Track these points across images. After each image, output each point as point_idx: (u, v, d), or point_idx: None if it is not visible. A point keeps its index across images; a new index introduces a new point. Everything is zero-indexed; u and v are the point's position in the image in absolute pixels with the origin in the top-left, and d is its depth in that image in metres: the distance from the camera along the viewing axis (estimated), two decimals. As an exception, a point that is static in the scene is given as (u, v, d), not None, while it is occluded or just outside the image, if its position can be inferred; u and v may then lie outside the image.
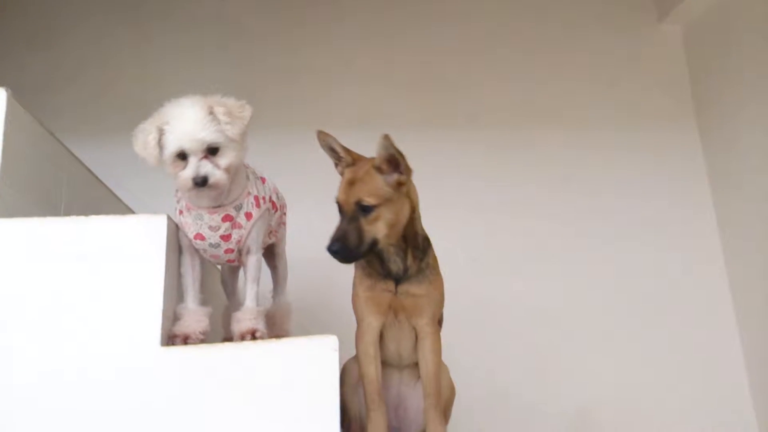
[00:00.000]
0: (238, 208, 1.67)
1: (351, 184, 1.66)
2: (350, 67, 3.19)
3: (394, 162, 1.67)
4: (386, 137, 1.64)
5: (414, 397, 1.81)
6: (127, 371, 1.53)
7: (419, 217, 1.76)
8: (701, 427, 2.76)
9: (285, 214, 1.94)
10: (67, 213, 1.87)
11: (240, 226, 1.68)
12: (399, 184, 1.67)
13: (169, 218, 1.66)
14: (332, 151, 1.75)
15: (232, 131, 1.56)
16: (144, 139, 1.57)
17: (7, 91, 1.69)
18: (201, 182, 1.56)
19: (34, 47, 3.17)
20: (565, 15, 3.30)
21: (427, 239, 1.80)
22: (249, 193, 1.69)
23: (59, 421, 1.49)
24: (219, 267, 2.05)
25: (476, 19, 3.29)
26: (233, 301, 2.00)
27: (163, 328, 1.57)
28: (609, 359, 2.87)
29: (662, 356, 2.88)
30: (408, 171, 1.69)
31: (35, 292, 1.56)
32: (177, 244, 1.70)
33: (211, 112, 1.57)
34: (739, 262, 2.93)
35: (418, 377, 1.80)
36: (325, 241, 2.86)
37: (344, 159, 1.73)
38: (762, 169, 2.75)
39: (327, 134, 1.73)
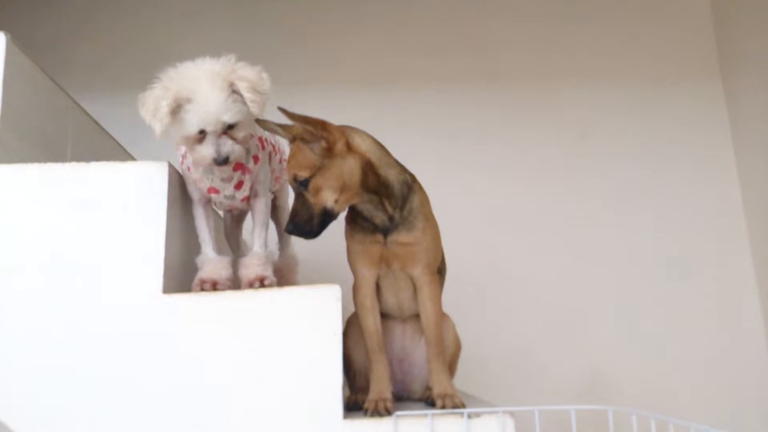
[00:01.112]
0: (246, 153, 1.64)
1: (288, 162, 1.61)
2: (365, 26, 3.13)
3: (308, 131, 1.58)
4: (280, 109, 1.54)
5: (419, 351, 1.78)
6: (129, 319, 1.52)
7: (385, 164, 1.66)
8: (718, 384, 2.73)
9: (283, 160, 1.91)
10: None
11: (250, 171, 1.66)
12: (327, 149, 1.58)
13: (170, 166, 1.63)
14: (277, 133, 1.68)
15: (257, 109, 1.52)
16: (155, 104, 1.50)
17: (6, 35, 1.66)
18: (223, 162, 1.53)
19: (43, 3, 3.14)
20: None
21: (408, 185, 1.69)
22: (252, 136, 1.66)
23: (60, 371, 1.48)
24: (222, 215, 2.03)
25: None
26: (237, 254, 1.98)
27: (165, 276, 1.55)
28: (624, 319, 2.83)
29: (680, 317, 2.84)
30: (328, 131, 1.57)
31: (35, 238, 1.55)
32: (178, 192, 1.68)
33: (233, 89, 1.51)
34: (761, 218, 2.85)
35: (422, 329, 1.77)
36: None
37: (286, 137, 1.64)
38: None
39: (264, 121, 1.63)
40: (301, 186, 1.58)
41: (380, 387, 1.61)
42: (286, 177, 1.84)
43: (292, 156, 1.61)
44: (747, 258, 2.91)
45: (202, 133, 1.53)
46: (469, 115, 3.05)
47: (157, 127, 1.51)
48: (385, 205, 1.65)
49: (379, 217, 1.66)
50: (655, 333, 2.82)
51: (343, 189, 1.59)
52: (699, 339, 2.82)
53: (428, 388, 1.73)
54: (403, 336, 1.80)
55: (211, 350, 1.52)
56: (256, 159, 1.67)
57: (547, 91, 3.09)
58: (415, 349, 1.80)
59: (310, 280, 1.93)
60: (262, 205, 1.72)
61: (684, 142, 3.07)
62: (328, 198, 1.58)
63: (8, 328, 1.50)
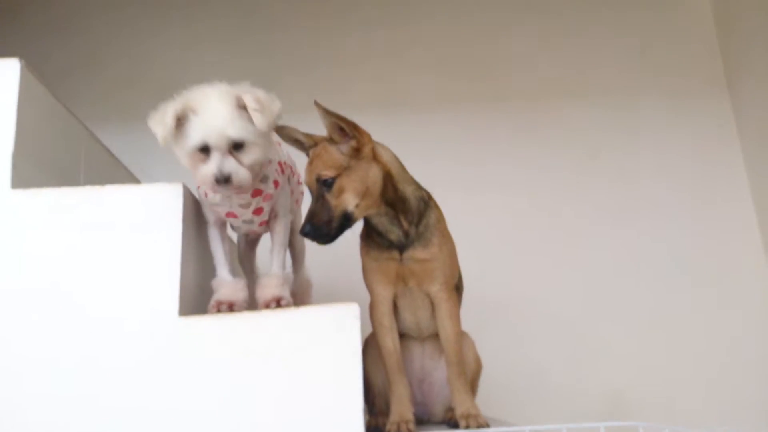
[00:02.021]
0: (265, 180, 1.61)
1: (310, 164, 1.61)
2: (372, 47, 3.15)
3: (343, 129, 1.59)
4: (316, 104, 1.55)
5: (439, 371, 1.74)
6: (146, 342, 1.49)
7: (403, 179, 1.66)
8: (727, 404, 2.68)
9: (300, 182, 1.90)
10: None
11: (270, 197, 1.63)
12: (356, 150, 1.59)
13: (185, 187, 1.62)
14: (296, 141, 1.68)
15: (261, 122, 1.47)
16: (162, 113, 1.48)
17: (20, 62, 1.67)
18: (224, 181, 1.47)
19: (56, 33, 3.18)
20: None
21: (424, 201, 1.70)
22: (271, 161, 1.64)
23: (76, 395, 1.46)
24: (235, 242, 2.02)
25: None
26: (251, 279, 1.96)
27: (180, 299, 1.53)
28: (640, 340, 2.78)
29: (693, 337, 2.79)
30: (359, 132, 1.59)
31: (50, 262, 1.53)
32: (193, 213, 1.66)
33: (240, 105, 1.48)
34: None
35: (442, 349, 1.74)
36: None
37: (307, 143, 1.66)
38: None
39: (285, 126, 1.64)
40: (325, 186, 1.57)
41: (401, 408, 1.58)
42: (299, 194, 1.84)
43: (316, 156, 1.60)
44: (765, 272, 2.87)
45: (207, 152, 1.49)
46: (479, 135, 3.04)
47: (160, 133, 1.47)
48: (400, 220, 1.63)
49: (395, 233, 1.64)
50: (673, 349, 2.76)
51: (365, 194, 1.58)
52: (717, 354, 2.77)
53: (450, 409, 1.69)
54: (423, 356, 1.77)
55: (229, 372, 1.49)
56: (276, 184, 1.65)
57: (555, 110, 3.09)
58: (435, 369, 1.76)
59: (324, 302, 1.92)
60: (281, 226, 1.69)
61: (694, 158, 3.05)
62: (350, 201, 1.57)
63: (22, 352, 1.48)
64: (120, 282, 1.53)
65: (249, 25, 3.23)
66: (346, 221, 1.58)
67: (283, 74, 3.07)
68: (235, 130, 1.47)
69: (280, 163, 1.69)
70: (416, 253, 1.64)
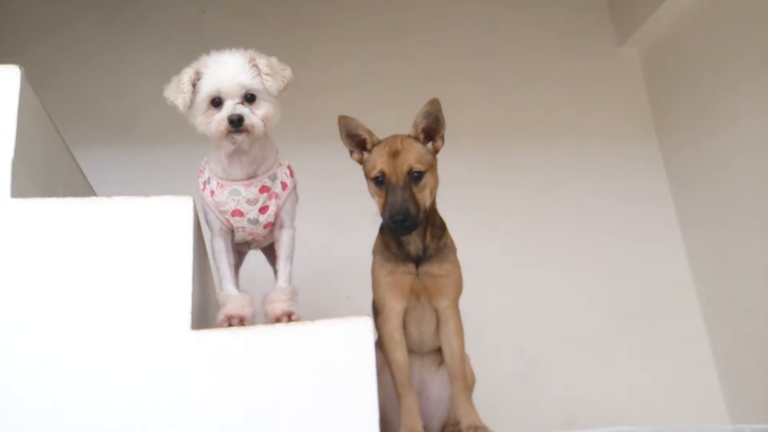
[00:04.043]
0: (273, 178, 1.65)
1: (394, 155, 1.66)
2: (335, 82, 3.21)
3: (428, 131, 1.68)
4: (436, 101, 1.65)
5: (436, 384, 1.79)
6: (159, 357, 1.46)
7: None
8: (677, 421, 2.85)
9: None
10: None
11: (277, 196, 1.65)
12: (435, 153, 1.70)
13: (194, 201, 1.61)
14: (354, 136, 1.75)
15: (272, 85, 1.54)
16: (178, 82, 1.52)
17: (21, 69, 1.62)
18: (237, 120, 1.51)
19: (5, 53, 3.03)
20: (536, 36, 3.46)
21: (442, 219, 1.79)
22: (281, 163, 1.67)
23: (89, 411, 1.40)
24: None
25: (454, 35, 3.41)
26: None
27: (192, 312, 1.51)
28: (590, 361, 2.93)
29: (638, 358, 2.97)
30: (443, 138, 1.71)
31: (56, 274, 1.47)
32: (199, 229, 1.65)
33: (253, 63, 1.55)
34: (702, 265, 3.09)
35: (439, 363, 1.79)
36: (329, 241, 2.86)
37: (371, 140, 1.73)
38: (716, 179, 2.95)
39: (350, 118, 1.72)
40: (414, 179, 1.61)
41: (411, 422, 1.61)
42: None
43: (405, 150, 1.64)
44: (695, 310, 3.09)
45: (219, 104, 1.53)
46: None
47: (180, 99, 1.52)
48: (426, 232, 1.69)
49: (416, 245, 1.69)
50: (622, 375, 2.92)
51: (433, 195, 1.64)
52: (658, 380, 2.95)
53: (451, 424, 1.73)
54: (422, 370, 1.81)
55: (243, 386, 1.48)
56: (284, 186, 1.67)
57: (505, 148, 3.26)
58: (432, 384, 1.81)
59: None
60: (288, 237, 1.70)
61: (627, 198, 3.29)
62: (427, 198, 1.63)
63: (30, 368, 1.40)
64: (130, 295, 1.49)
65: (203, 50, 3.21)
66: (423, 217, 1.63)
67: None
68: (247, 78, 1.53)
69: (289, 167, 1.72)
70: (433, 268, 1.70)
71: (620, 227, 3.23)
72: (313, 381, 1.50)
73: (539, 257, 3.10)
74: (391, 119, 3.19)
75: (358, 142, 1.76)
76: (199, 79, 1.53)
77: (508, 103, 3.32)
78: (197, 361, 1.47)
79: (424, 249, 1.70)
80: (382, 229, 1.76)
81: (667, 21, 3.19)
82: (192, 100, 1.53)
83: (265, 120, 1.56)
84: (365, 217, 3.04)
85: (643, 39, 3.39)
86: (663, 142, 3.35)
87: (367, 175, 1.73)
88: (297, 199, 1.79)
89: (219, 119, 1.52)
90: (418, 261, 1.71)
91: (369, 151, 1.73)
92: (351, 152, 1.80)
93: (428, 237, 1.70)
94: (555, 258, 3.13)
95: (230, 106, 1.52)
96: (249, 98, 1.54)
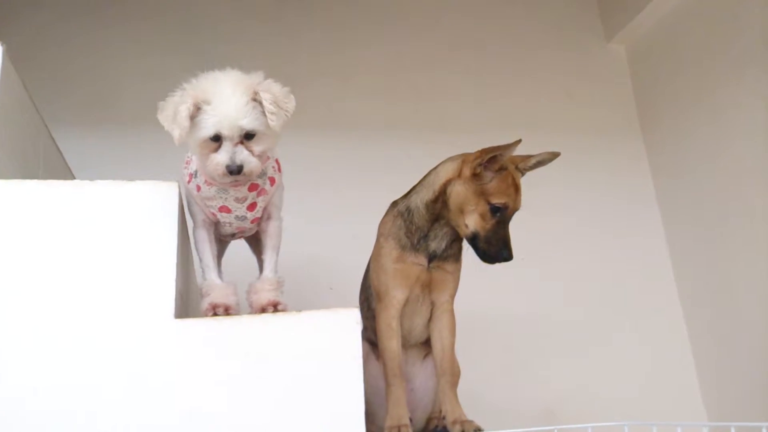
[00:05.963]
0: (263, 175, 1.60)
1: (517, 191, 1.70)
2: (321, 70, 3.16)
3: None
4: (517, 141, 1.69)
5: (421, 377, 1.79)
6: (142, 345, 1.43)
7: None
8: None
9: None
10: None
11: (265, 193, 1.62)
12: None
13: (179, 187, 1.57)
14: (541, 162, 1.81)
15: (276, 123, 1.48)
16: (175, 109, 1.45)
17: (2, 45, 1.56)
18: (236, 170, 1.47)
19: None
20: (524, 30, 3.45)
21: None
22: (268, 158, 1.63)
23: (70, 396, 1.36)
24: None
25: (443, 27, 3.38)
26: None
27: (176, 300, 1.47)
28: (571, 357, 2.94)
29: (619, 354, 2.99)
30: None
31: (36, 259, 1.43)
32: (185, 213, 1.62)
33: (255, 98, 1.48)
34: (683, 262, 3.11)
35: (424, 356, 1.79)
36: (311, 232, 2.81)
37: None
38: (700, 175, 2.97)
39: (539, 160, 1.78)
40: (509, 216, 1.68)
41: (399, 412, 1.60)
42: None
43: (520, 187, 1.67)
44: (676, 306, 3.11)
45: (218, 141, 1.48)
46: (422, 162, 3.12)
47: (176, 132, 1.45)
48: (453, 239, 1.73)
49: (437, 243, 1.72)
50: (603, 374, 2.93)
51: None
52: (636, 378, 2.97)
53: (435, 417, 1.73)
54: (406, 362, 1.79)
55: (227, 376, 1.45)
56: (272, 181, 1.64)
57: (491, 140, 3.23)
58: (416, 376, 1.81)
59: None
60: (275, 228, 1.68)
61: (610, 194, 3.30)
62: None
63: (14, 353, 1.36)
64: (112, 283, 1.46)
65: (196, 40, 3.14)
66: None
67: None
68: (249, 121, 1.47)
69: (277, 161, 1.68)
70: (446, 264, 1.75)
71: (603, 223, 3.23)
72: (298, 372, 1.48)
73: (521, 252, 3.08)
74: (378, 108, 3.22)
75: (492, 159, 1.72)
76: (199, 112, 1.46)
77: (495, 96, 3.31)
78: (181, 350, 1.45)
79: (444, 249, 1.72)
80: (403, 215, 1.73)
81: (655, 18, 3.20)
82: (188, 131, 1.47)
83: (262, 156, 1.52)
84: (348, 208, 3.08)
85: (631, 36, 3.40)
86: (647, 138, 3.36)
87: (482, 194, 1.68)
88: (283, 189, 1.76)
89: (218, 163, 1.47)
90: (433, 256, 1.70)
91: (491, 171, 1.70)
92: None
93: (454, 240, 1.74)
94: (536, 253, 3.11)
95: (229, 150, 1.47)
96: (248, 136, 1.49)
